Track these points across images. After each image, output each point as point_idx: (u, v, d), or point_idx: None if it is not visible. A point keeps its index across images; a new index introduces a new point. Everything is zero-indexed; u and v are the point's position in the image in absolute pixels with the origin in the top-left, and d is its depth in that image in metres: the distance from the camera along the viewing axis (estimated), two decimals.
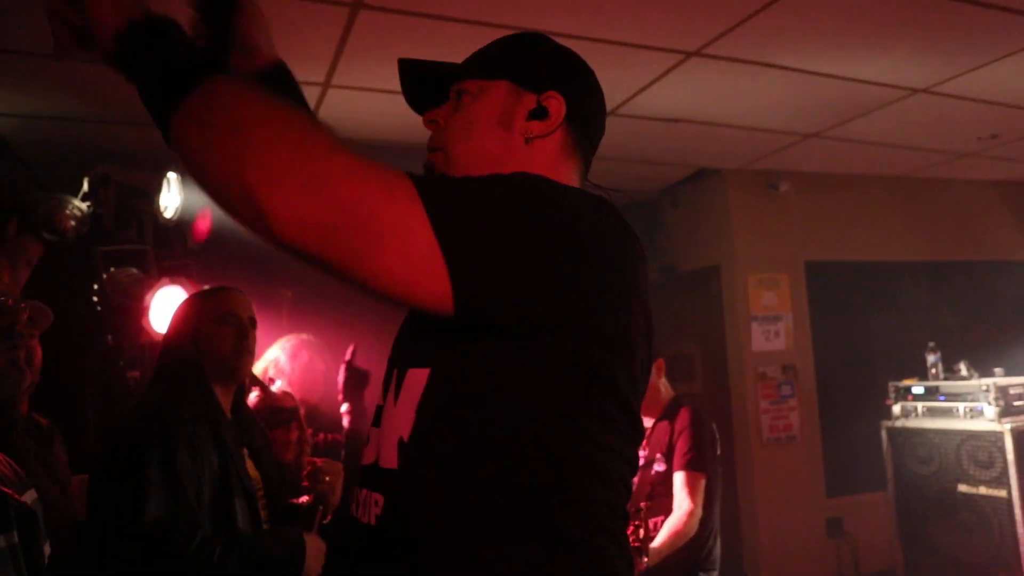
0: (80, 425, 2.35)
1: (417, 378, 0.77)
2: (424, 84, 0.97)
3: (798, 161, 3.63)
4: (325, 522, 1.60)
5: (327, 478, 1.64)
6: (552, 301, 0.71)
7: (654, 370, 2.41)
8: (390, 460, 0.77)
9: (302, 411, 2.15)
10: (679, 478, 2.25)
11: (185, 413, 1.43)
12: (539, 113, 0.89)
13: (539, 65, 0.91)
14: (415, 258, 0.67)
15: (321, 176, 0.65)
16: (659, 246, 4.13)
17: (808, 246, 3.83)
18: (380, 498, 0.77)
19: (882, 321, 3.89)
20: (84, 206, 2.55)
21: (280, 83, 1.03)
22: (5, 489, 1.03)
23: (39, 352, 2.12)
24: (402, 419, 0.77)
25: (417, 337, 0.83)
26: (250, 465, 1.55)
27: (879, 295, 3.94)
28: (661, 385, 2.45)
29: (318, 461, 1.70)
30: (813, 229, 3.84)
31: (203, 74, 0.71)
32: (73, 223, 2.47)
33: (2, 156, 2.97)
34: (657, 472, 2.33)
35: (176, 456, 1.36)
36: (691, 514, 2.17)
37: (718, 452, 2.37)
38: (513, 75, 0.90)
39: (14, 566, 0.97)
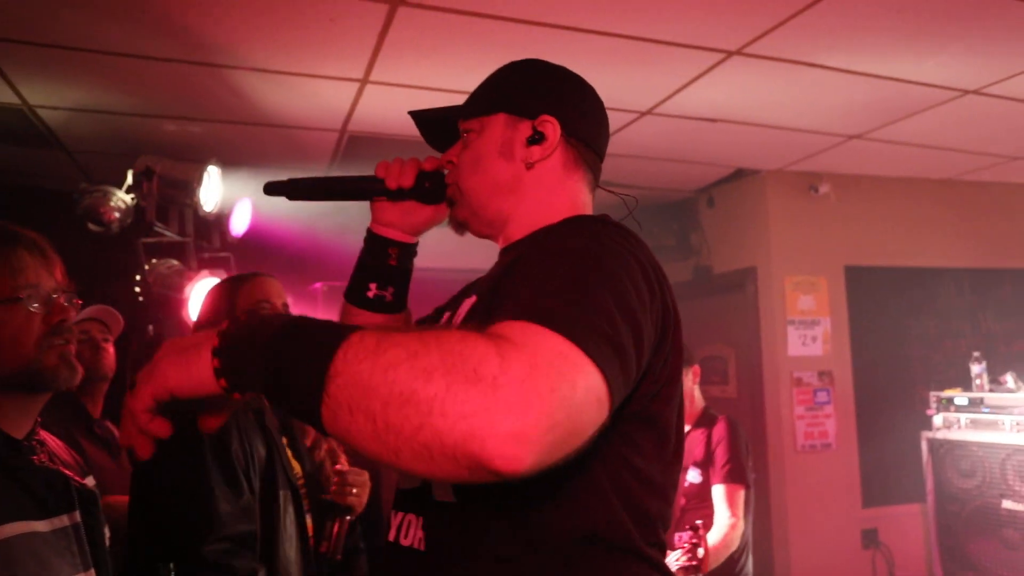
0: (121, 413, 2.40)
1: None
2: (440, 128, 1.05)
3: (840, 163, 3.55)
4: (350, 520, 1.60)
5: (354, 490, 1.64)
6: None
7: (689, 377, 2.39)
8: (446, 494, 0.79)
9: None
10: (719, 491, 2.23)
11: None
12: (536, 138, 0.94)
13: (529, 92, 0.97)
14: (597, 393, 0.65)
15: (519, 400, 0.57)
16: (694, 246, 4.07)
17: (848, 250, 3.74)
18: (427, 530, 0.80)
19: (923, 329, 3.79)
20: (128, 198, 2.61)
21: (412, 262, 1.11)
22: (66, 471, 1.07)
23: (112, 353, 2.20)
24: None
25: None
26: (290, 455, 1.56)
27: (921, 302, 3.83)
28: (696, 393, 2.43)
29: (345, 466, 1.70)
30: (854, 233, 3.75)
31: (325, 365, 0.61)
32: (117, 215, 2.53)
33: (50, 148, 3.06)
34: (691, 484, 2.31)
35: (230, 447, 1.36)
36: (734, 527, 2.16)
37: (751, 463, 2.34)
38: (507, 106, 0.96)
39: (77, 543, 1.01)
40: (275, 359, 0.64)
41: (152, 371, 0.69)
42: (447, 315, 0.97)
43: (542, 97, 0.96)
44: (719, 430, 2.30)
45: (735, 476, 2.22)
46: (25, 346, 1.01)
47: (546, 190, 0.95)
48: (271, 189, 1.00)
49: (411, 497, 0.84)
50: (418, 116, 1.05)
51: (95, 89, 2.52)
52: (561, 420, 0.58)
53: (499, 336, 0.61)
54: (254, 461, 1.40)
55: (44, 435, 1.14)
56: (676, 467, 0.87)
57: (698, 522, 1.94)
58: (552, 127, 0.94)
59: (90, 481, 1.16)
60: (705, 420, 2.38)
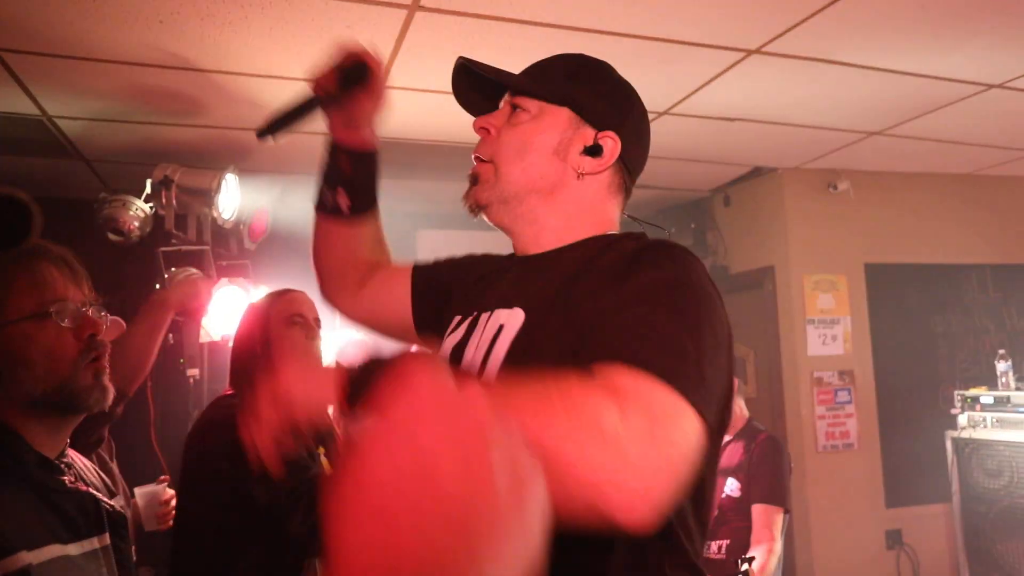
0: (143, 420, 2.42)
1: None
2: (476, 87, 0.98)
3: (859, 159, 3.50)
4: None
5: None
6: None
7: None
8: None
9: None
10: (758, 511, 2.21)
11: None
12: (594, 150, 0.89)
13: (603, 100, 0.91)
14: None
15: (645, 459, 0.61)
16: (710, 245, 4.04)
17: (868, 247, 3.70)
18: None
19: (946, 326, 3.73)
20: (147, 207, 2.62)
21: (370, 169, 1.10)
22: (96, 493, 1.06)
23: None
24: None
25: None
26: (326, 464, 1.56)
27: (944, 299, 3.78)
28: (740, 403, 2.41)
29: None
30: (874, 230, 3.70)
31: None
32: (136, 224, 2.54)
33: (70, 158, 3.08)
34: (728, 496, 2.29)
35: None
36: (771, 551, 2.15)
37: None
38: (576, 105, 0.90)
39: (107, 567, 1.01)
40: None
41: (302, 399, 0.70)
42: (469, 328, 0.90)
43: (613, 111, 0.91)
44: (762, 447, 2.28)
45: (776, 498, 2.21)
46: (61, 364, 1.00)
47: (586, 204, 0.91)
48: (260, 134, 1.03)
49: None
50: (468, 64, 0.95)
51: (113, 99, 2.53)
52: (682, 473, 0.63)
53: (615, 389, 0.64)
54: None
55: (72, 454, 1.13)
56: (714, 477, 0.86)
57: (751, 555, 1.93)
58: (613, 145, 0.90)
59: (117, 502, 1.16)
60: (747, 432, 2.37)
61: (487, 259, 1.05)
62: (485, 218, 0.94)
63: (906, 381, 3.67)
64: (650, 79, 2.47)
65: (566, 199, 0.90)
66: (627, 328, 0.70)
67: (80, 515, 1.01)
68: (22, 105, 2.55)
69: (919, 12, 2.06)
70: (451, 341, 0.92)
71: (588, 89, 0.92)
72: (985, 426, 3.13)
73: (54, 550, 0.93)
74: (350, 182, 1.08)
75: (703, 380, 0.67)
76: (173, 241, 2.62)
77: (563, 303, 0.80)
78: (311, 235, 1.14)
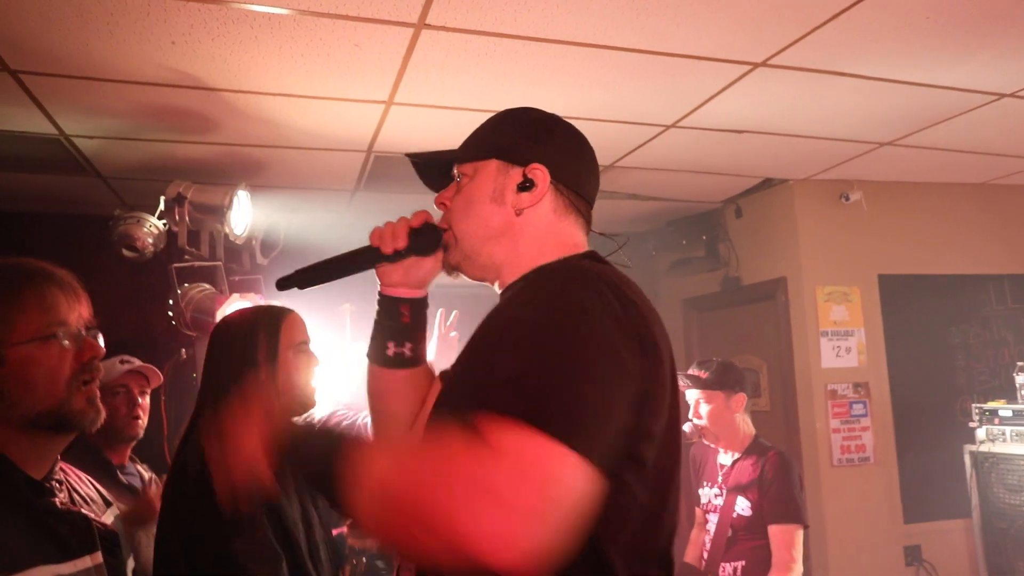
0: (156, 433, 2.45)
1: None
2: (436, 170, 1.09)
3: (871, 170, 3.48)
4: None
5: None
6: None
7: (733, 403, 2.35)
8: None
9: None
10: (775, 533, 2.18)
11: None
12: (526, 185, 0.97)
13: (520, 140, 1.00)
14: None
15: (512, 512, 0.64)
16: (722, 257, 4.02)
17: (882, 258, 3.66)
18: None
19: (963, 338, 3.68)
20: (160, 224, 2.66)
21: (424, 312, 1.12)
22: (89, 513, 1.07)
23: (145, 412, 2.20)
24: None
25: None
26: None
27: (960, 310, 3.72)
28: (740, 420, 2.38)
29: None
30: (887, 241, 3.67)
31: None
32: (150, 241, 2.58)
33: (87, 175, 3.14)
34: (740, 516, 2.26)
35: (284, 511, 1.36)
36: (792, 571, 2.12)
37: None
38: (499, 153, 0.99)
39: None
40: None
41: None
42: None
43: (533, 146, 0.98)
44: (772, 465, 2.25)
45: (792, 516, 2.18)
46: (57, 385, 1.02)
47: (538, 235, 0.98)
48: (282, 284, 1.01)
49: None
50: (415, 159, 1.09)
51: (127, 117, 2.58)
52: (555, 518, 0.64)
53: (483, 441, 0.67)
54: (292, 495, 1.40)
55: (66, 468, 1.14)
56: (673, 491, 0.86)
57: None
58: (542, 175, 0.97)
59: (111, 514, 1.17)
60: (755, 449, 2.34)
61: None
62: (465, 278, 1.03)
63: (923, 394, 3.61)
64: (655, 93, 2.48)
65: (517, 236, 0.98)
66: (498, 366, 0.75)
67: (72, 535, 1.02)
68: (40, 124, 2.61)
69: (926, 23, 2.05)
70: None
71: (507, 133, 1.01)
72: (1004, 440, 3.07)
73: (44, 571, 0.94)
74: (412, 331, 1.10)
75: (581, 421, 0.69)
76: (186, 257, 2.66)
77: (480, 339, 0.88)
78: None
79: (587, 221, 1.02)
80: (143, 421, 2.21)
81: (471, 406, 0.72)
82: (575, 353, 0.73)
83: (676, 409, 0.85)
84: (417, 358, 1.10)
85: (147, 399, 2.24)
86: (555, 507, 0.65)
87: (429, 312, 1.13)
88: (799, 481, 2.26)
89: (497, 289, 1.02)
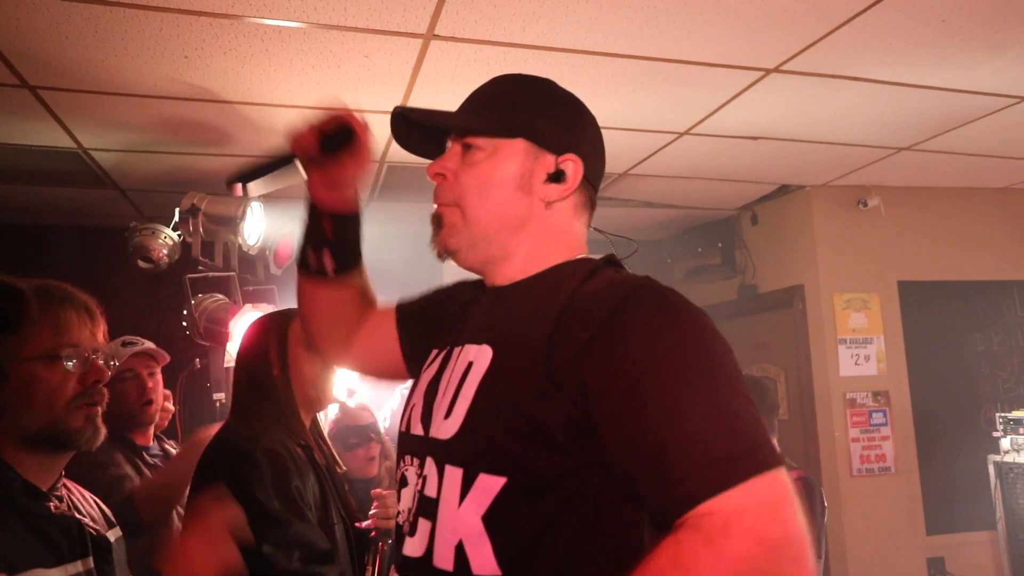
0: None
1: (488, 485, 0.74)
2: (416, 126, 0.95)
3: (889, 175, 3.43)
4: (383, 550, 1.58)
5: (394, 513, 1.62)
6: None
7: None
8: (446, 560, 0.76)
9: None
10: None
11: (285, 437, 1.42)
12: (557, 176, 0.86)
13: (555, 123, 0.88)
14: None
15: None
16: (738, 264, 3.98)
17: (901, 265, 3.60)
18: None
19: (987, 345, 3.60)
20: (175, 235, 2.69)
21: (354, 231, 1.06)
22: (82, 518, 1.09)
23: (160, 394, 2.10)
24: (464, 524, 0.75)
25: (495, 439, 0.76)
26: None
27: (983, 317, 3.65)
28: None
29: (384, 492, 1.69)
30: (906, 247, 3.61)
31: None
32: (165, 252, 2.61)
33: (105, 187, 3.19)
34: None
35: (292, 483, 1.36)
36: None
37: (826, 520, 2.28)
38: (531, 134, 0.86)
39: None
40: None
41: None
42: (443, 362, 0.88)
43: (567, 132, 0.88)
44: (797, 491, 2.22)
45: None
46: (56, 405, 1.03)
47: (555, 231, 0.88)
48: (230, 182, 1.03)
49: (412, 564, 0.80)
50: (408, 113, 0.91)
51: (143, 131, 2.62)
52: (805, 536, 0.66)
53: (705, 531, 0.63)
54: (309, 495, 1.40)
55: (70, 485, 1.15)
56: None
57: None
58: (575, 168, 0.87)
59: (114, 535, 1.17)
60: None
61: (472, 285, 1.01)
62: (454, 263, 0.92)
63: (945, 402, 3.54)
64: (668, 100, 2.46)
65: (533, 230, 0.87)
66: (668, 442, 0.66)
67: (64, 539, 1.03)
68: (59, 139, 2.66)
69: (940, 27, 2.02)
70: (427, 376, 0.90)
71: (538, 114, 0.88)
72: None
73: (36, 574, 0.96)
74: (333, 244, 1.04)
75: (757, 444, 0.67)
76: (200, 268, 2.68)
77: (536, 343, 0.76)
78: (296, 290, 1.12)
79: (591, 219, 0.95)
80: (156, 406, 2.07)
81: (610, 455, 0.70)
82: (721, 373, 0.71)
83: None
84: (340, 275, 1.05)
85: (158, 379, 2.10)
86: (803, 531, 0.67)
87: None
88: (822, 507, 2.22)
89: (488, 281, 0.92)
